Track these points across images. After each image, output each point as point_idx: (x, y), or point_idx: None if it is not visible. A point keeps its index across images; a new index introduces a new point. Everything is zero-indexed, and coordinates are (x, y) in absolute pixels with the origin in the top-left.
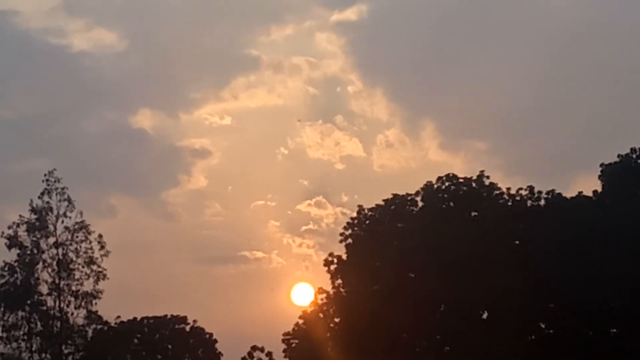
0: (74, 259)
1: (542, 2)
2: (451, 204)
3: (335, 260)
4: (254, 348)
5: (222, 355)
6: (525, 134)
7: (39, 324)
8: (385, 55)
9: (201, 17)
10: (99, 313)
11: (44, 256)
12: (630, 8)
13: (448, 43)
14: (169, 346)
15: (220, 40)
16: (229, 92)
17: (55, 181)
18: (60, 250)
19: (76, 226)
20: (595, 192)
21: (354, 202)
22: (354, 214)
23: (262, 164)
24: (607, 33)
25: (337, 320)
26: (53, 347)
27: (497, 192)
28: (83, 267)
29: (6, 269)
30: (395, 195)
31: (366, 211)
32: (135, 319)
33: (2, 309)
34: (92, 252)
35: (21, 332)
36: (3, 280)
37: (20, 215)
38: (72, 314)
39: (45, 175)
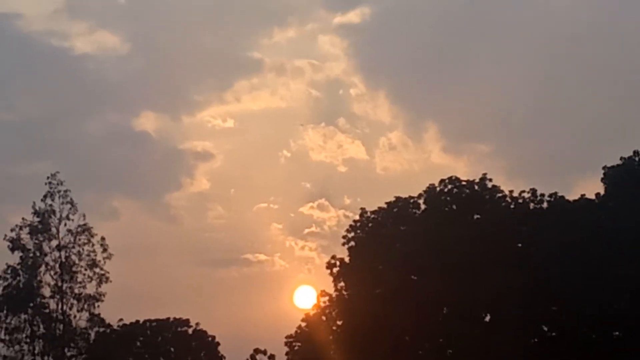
0: (77, 261)
1: (543, 4)
2: (454, 206)
3: (337, 263)
4: (257, 351)
5: (224, 358)
6: (527, 136)
7: (41, 326)
8: (388, 57)
9: (204, 20)
10: (102, 316)
11: (47, 259)
12: (632, 8)
13: (450, 46)
14: (172, 349)
15: (222, 43)
16: (231, 94)
17: (58, 184)
18: (62, 253)
19: (79, 229)
20: (597, 194)
21: (357, 204)
22: (357, 217)
23: (265, 167)
24: (609, 34)
25: (339, 323)
26: (55, 350)
27: (500, 195)
28: (86, 269)
29: (9, 271)
30: (398, 198)
31: (369, 214)
32: (137, 321)
33: (5, 311)
34: (95, 255)
35: (24, 335)
36: (6, 283)
37: (23, 218)
38: (75, 316)
39: (48, 177)
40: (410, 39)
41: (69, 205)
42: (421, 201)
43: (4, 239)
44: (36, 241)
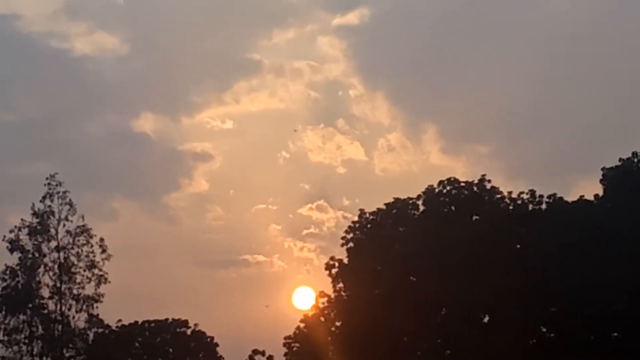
0: (76, 262)
1: (543, 5)
2: (453, 208)
3: (336, 264)
4: (255, 352)
5: (223, 358)
6: (526, 137)
7: (40, 327)
8: (387, 59)
9: (203, 21)
10: (100, 316)
11: (46, 260)
12: (631, 9)
13: (449, 47)
14: (170, 350)
15: (222, 44)
16: (230, 95)
17: (57, 185)
18: (61, 254)
19: (78, 230)
20: (596, 196)
21: (356, 205)
22: (356, 218)
23: (264, 168)
24: (608, 34)
25: (338, 324)
26: (54, 351)
27: (499, 196)
28: (84, 270)
29: (8, 272)
30: (396, 199)
31: (368, 215)
32: (136, 322)
33: (4, 312)
34: (94, 256)
35: (22, 336)
36: (5, 284)
37: (22, 219)
38: (74, 317)
39: (47, 178)
40: (409, 40)
41: (68, 206)
42: (420, 202)
43: (3, 239)
44: (35, 242)
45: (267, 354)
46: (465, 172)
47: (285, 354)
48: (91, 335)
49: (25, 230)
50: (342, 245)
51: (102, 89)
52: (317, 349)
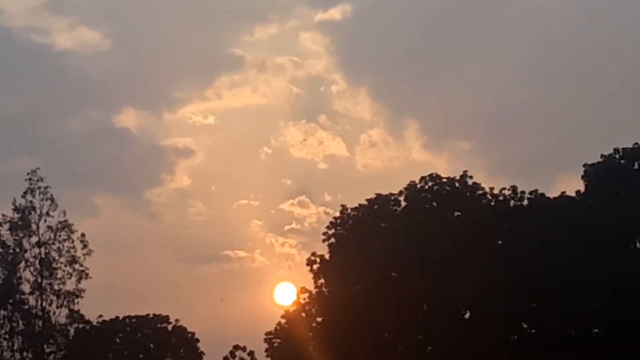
0: (57, 258)
1: (524, 2)
2: (434, 203)
3: (318, 260)
4: (236, 347)
5: (204, 354)
6: (508, 134)
7: (20, 323)
8: (369, 55)
9: (185, 17)
10: (81, 312)
11: (27, 255)
12: (614, 10)
13: (432, 43)
14: (151, 345)
15: (204, 40)
16: (212, 91)
17: (38, 180)
18: (42, 249)
19: (59, 225)
20: (578, 192)
21: (337, 201)
22: (337, 214)
23: (246, 164)
24: (589, 34)
25: (319, 319)
26: (35, 346)
27: (480, 192)
28: (65, 266)
29: None
30: (378, 195)
31: (349, 211)
32: (117, 318)
33: None
34: (75, 251)
35: (3, 331)
36: None
37: (3, 214)
38: (54, 313)
39: (28, 174)
40: (392, 36)
41: (49, 202)
42: (402, 198)
43: None
44: (16, 237)
45: (248, 350)
46: (447, 168)
47: (266, 350)
48: (72, 331)
49: (7, 226)
50: (324, 241)
51: (83, 84)
52: (298, 345)
